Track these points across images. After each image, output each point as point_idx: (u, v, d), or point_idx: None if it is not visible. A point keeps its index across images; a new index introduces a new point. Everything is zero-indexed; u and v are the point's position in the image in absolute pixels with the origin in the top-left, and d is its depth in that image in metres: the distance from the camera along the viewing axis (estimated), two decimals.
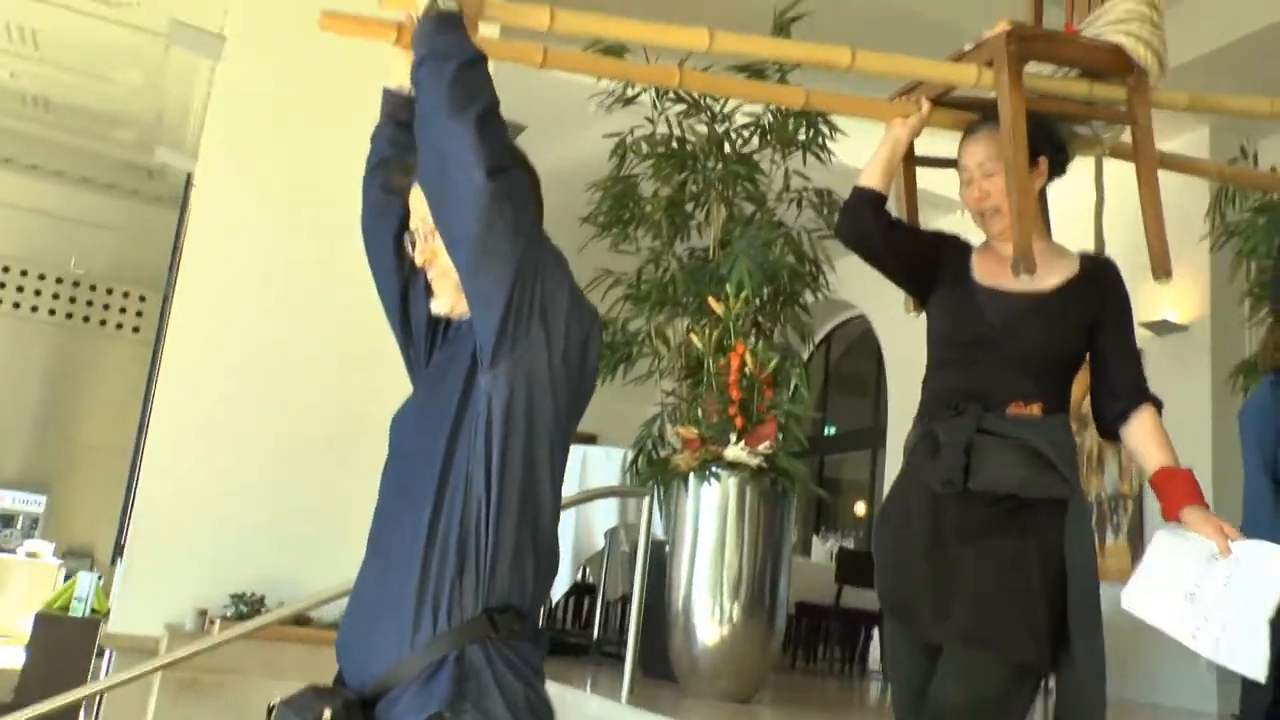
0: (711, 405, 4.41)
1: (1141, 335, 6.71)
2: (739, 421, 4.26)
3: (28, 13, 8.76)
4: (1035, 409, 2.04)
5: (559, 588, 5.58)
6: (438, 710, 1.35)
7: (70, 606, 5.42)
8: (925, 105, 2.31)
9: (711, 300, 4.47)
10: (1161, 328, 7.17)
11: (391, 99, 1.82)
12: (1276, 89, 5.88)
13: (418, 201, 1.62)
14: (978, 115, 2.29)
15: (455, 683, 1.37)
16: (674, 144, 5.23)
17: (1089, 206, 2.61)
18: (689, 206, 5.21)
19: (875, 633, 6.94)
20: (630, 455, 5.45)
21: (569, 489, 5.68)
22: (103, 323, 12.01)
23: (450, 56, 1.49)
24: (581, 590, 6.23)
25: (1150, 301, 7.00)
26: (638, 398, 5.91)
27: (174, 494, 4.85)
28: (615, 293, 5.32)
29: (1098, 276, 2.16)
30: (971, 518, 2.00)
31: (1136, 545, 7.10)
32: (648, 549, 4.13)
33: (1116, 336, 2.12)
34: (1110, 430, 2.11)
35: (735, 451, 4.19)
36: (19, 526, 10.44)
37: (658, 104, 5.27)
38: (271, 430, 4.98)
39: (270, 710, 1.48)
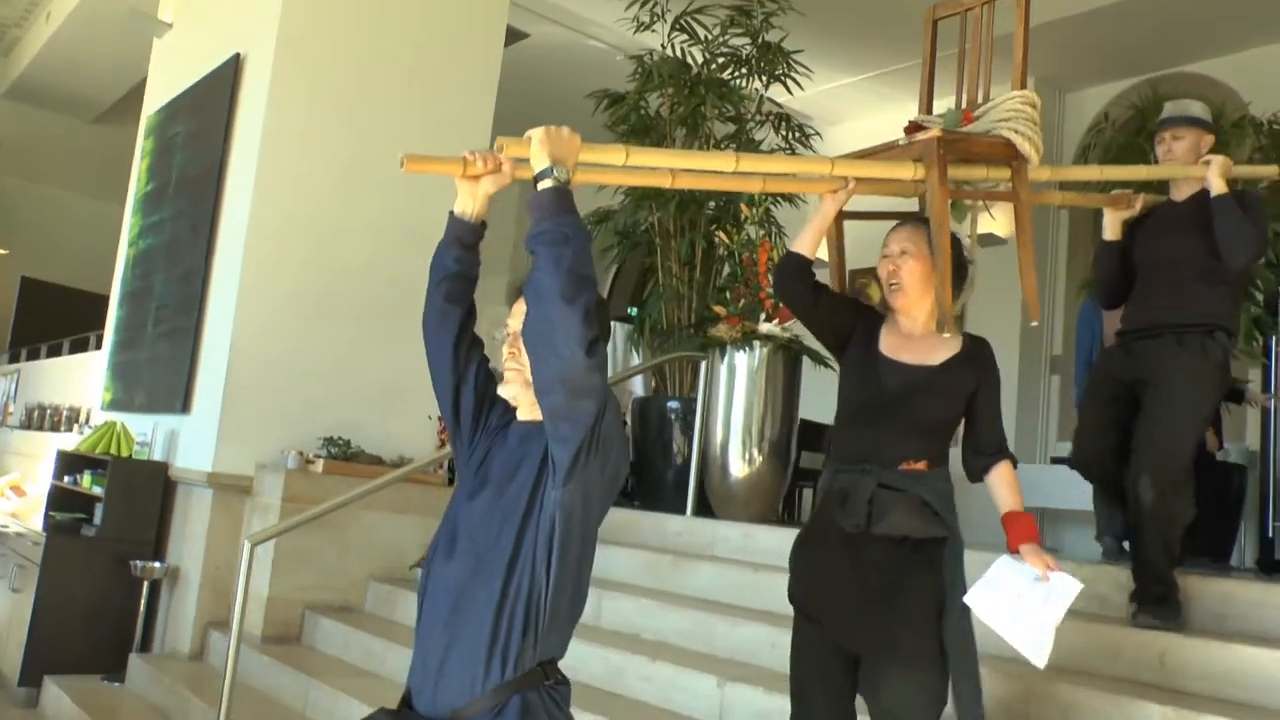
0: (738, 290, 5.56)
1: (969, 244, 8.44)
2: (768, 304, 5.44)
3: None
4: (922, 465, 2.53)
5: None
6: None
7: (119, 450, 5.86)
8: (851, 183, 2.73)
9: (744, 206, 5.57)
10: (986, 240, 8.89)
11: (457, 225, 2.03)
12: (1104, 59, 7.54)
13: (521, 307, 1.87)
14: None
15: (520, 718, 1.79)
16: (682, 70, 6.20)
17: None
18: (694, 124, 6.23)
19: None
20: (617, 328, 6.55)
21: None
22: None
23: (567, 242, 1.73)
24: None
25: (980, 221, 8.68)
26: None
27: (260, 353, 5.44)
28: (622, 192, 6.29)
29: (976, 355, 2.62)
30: (874, 552, 2.50)
31: None
32: (707, 405, 5.29)
33: (987, 405, 2.60)
34: (976, 477, 2.63)
35: (769, 328, 5.38)
36: None
37: (668, 35, 6.22)
38: (343, 296, 5.64)
39: None
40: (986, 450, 2.58)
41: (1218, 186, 3.32)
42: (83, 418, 8.07)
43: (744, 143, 6.41)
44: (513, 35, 6.54)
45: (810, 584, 2.60)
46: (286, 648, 5.02)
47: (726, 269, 5.89)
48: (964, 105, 2.91)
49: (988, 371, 2.60)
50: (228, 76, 5.86)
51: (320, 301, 5.60)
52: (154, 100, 7.13)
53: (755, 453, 5.39)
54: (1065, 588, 2.44)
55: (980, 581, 2.48)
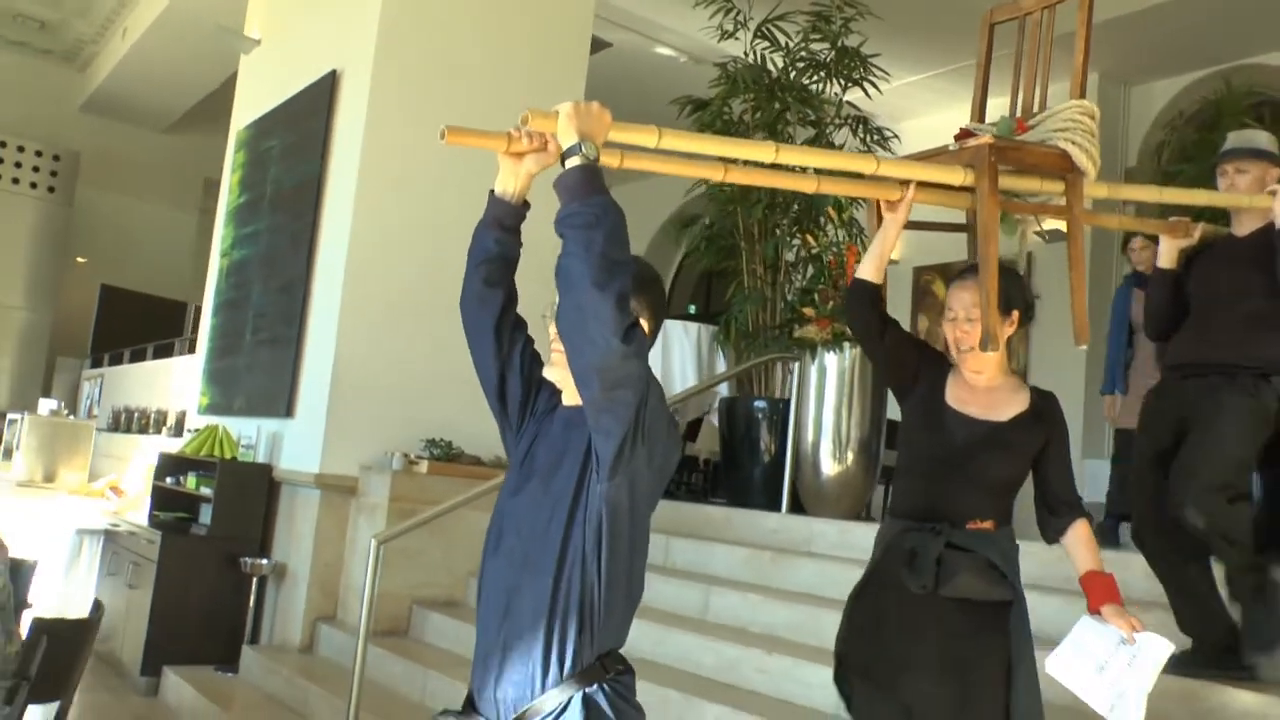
0: (826, 293, 5.68)
1: (1035, 242, 8.47)
2: None
3: None
4: (989, 525, 2.48)
5: None
6: None
7: (221, 452, 6.09)
8: (909, 195, 2.60)
9: (831, 210, 5.69)
10: (1055, 235, 8.94)
11: (497, 205, 1.97)
12: (1170, 51, 7.54)
13: None
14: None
15: (584, 717, 1.74)
16: (764, 76, 6.33)
17: None
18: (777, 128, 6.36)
19: None
20: (702, 330, 6.72)
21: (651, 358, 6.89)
22: (14, 181, 11.62)
23: (598, 224, 1.63)
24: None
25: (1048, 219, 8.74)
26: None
27: (362, 360, 5.65)
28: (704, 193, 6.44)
29: (1044, 411, 2.55)
30: (940, 613, 2.45)
31: None
32: (801, 404, 5.42)
33: (1057, 462, 2.54)
34: (1052, 539, 2.57)
35: None
36: None
37: (751, 43, 6.37)
38: (440, 301, 5.74)
39: None
40: (1061, 510, 2.53)
41: None
42: (170, 421, 8.35)
43: (823, 147, 6.51)
44: (596, 44, 6.70)
45: (871, 641, 2.55)
46: (396, 640, 5.21)
47: (810, 270, 6.01)
48: (1018, 113, 2.84)
49: (1056, 427, 2.55)
50: (324, 92, 6.06)
51: (418, 308, 5.78)
52: (244, 115, 7.36)
53: (846, 452, 5.51)
54: (1155, 651, 2.34)
55: (1062, 645, 2.43)
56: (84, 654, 3.23)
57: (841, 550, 4.80)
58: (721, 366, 6.88)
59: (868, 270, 2.70)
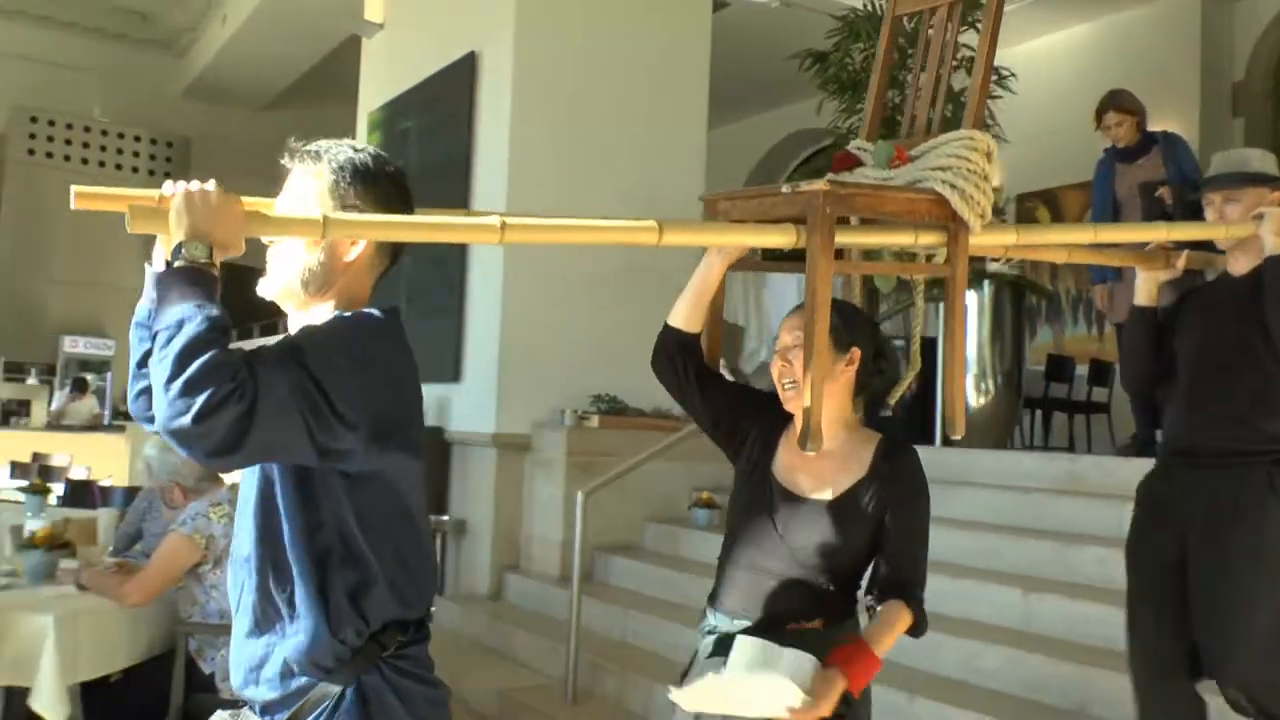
0: None
1: None
2: None
3: None
4: (816, 625, 2.04)
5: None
6: None
7: None
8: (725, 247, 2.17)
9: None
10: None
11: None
12: None
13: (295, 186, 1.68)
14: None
15: (359, 709, 1.55)
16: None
17: None
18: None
19: None
20: None
21: (745, 309, 7.16)
22: (118, 167, 12.17)
23: (168, 346, 1.37)
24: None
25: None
26: None
27: (526, 325, 6.04)
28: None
29: (886, 473, 2.06)
30: None
31: (1100, 331, 8.49)
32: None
33: (897, 537, 2.03)
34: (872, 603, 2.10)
35: (996, 266, 5.73)
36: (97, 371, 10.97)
37: None
38: (593, 266, 6.13)
39: None
40: (887, 591, 2.03)
41: (1272, 245, 2.54)
42: None
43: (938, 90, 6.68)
44: (715, 4, 6.95)
45: None
46: (583, 584, 5.55)
47: None
48: (911, 133, 2.27)
49: (902, 491, 2.05)
50: (464, 72, 6.36)
51: (573, 274, 6.10)
52: (373, 97, 7.69)
53: (990, 384, 5.79)
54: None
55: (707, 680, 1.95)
56: None
57: (998, 478, 5.09)
58: None
59: (677, 315, 2.20)
